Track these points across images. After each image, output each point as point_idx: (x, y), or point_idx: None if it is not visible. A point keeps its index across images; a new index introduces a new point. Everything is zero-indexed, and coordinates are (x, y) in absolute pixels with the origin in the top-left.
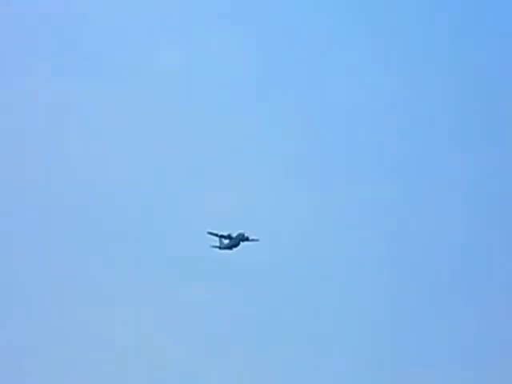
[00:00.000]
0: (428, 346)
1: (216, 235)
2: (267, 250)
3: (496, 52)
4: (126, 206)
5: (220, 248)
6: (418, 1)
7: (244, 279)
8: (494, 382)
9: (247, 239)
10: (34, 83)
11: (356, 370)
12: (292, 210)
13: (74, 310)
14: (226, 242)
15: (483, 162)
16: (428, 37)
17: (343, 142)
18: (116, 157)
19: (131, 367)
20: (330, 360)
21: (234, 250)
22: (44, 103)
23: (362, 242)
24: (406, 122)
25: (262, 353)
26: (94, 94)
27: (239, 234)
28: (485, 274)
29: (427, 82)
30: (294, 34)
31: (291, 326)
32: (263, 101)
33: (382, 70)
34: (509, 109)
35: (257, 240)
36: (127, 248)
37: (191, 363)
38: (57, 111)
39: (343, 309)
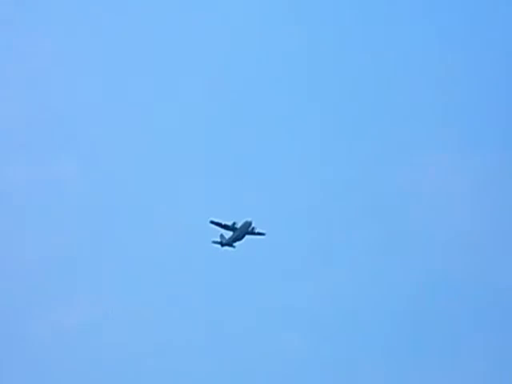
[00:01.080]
0: None
1: (219, 225)
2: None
3: None
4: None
5: (222, 244)
6: None
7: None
8: None
9: (253, 231)
10: None
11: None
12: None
13: (73, 305)
14: (229, 234)
15: None
16: None
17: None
18: None
19: (131, 366)
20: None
21: (237, 244)
22: None
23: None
24: None
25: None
26: None
27: (245, 223)
28: None
29: None
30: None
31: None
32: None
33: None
34: None
35: (263, 234)
36: (125, 243)
37: (191, 363)
38: None
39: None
